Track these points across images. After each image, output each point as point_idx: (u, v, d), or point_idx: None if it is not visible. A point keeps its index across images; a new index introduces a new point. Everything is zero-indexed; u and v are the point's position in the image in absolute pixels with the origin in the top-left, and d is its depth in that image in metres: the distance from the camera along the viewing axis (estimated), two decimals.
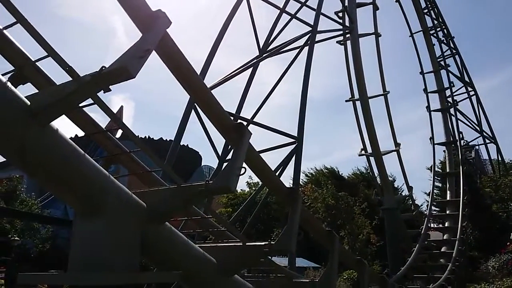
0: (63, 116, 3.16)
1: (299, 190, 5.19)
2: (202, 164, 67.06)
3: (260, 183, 30.04)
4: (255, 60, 17.23)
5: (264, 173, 4.48)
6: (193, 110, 12.80)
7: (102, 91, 2.87)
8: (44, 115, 2.80)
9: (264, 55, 17.33)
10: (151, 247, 3.76)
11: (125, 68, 2.75)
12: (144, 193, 3.87)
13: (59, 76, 3.13)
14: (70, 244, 3.51)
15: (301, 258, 23.52)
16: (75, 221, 3.48)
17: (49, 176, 3.17)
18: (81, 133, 4.83)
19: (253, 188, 39.29)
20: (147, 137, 60.70)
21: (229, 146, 15.08)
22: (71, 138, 3.27)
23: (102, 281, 3.14)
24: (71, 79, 2.88)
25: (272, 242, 4.50)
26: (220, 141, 15.34)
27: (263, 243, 4.61)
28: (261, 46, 17.55)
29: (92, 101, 3.02)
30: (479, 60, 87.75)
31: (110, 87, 2.93)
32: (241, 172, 3.75)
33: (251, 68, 17.08)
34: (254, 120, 15.01)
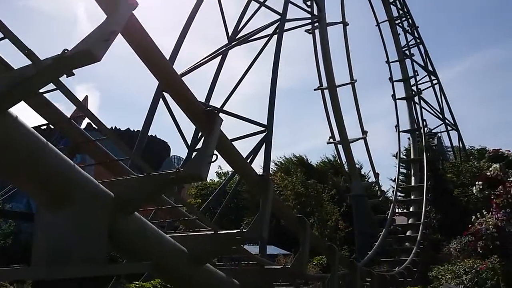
0: (25, 104, 2.99)
1: (270, 178, 5.18)
2: (171, 155, 66.27)
3: (230, 172, 30.02)
4: (224, 49, 17.05)
5: (235, 160, 4.43)
6: (161, 99, 12.55)
7: (65, 75, 2.73)
8: (1, 101, 2.64)
9: (233, 44, 17.17)
10: (120, 238, 3.65)
11: (89, 51, 2.62)
12: (112, 183, 3.74)
13: (17, 61, 2.95)
14: (33, 238, 3.36)
15: (271, 246, 23.73)
16: (39, 213, 3.33)
17: (9, 167, 3.00)
18: (44, 122, 4.63)
19: (223, 178, 39.16)
20: (113, 127, 59.23)
21: (199, 135, 14.94)
22: (33, 128, 3.10)
23: (67, 274, 3.02)
24: (30, 63, 2.72)
25: (244, 230, 4.48)
26: (189, 130, 15.16)
27: (235, 231, 4.58)
28: (229, 35, 17.38)
29: (54, 87, 2.87)
30: (442, 49, 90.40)
31: (74, 72, 2.79)
32: (213, 160, 3.69)
33: (220, 57, 16.90)
34: (224, 109, 14.91)
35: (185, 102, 3.80)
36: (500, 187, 10.66)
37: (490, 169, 10.66)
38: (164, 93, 12.91)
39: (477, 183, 10.80)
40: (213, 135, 3.72)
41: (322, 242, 6.98)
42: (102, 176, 4.41)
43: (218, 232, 4.54)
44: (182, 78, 13.61)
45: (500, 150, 10.66)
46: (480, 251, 10.47)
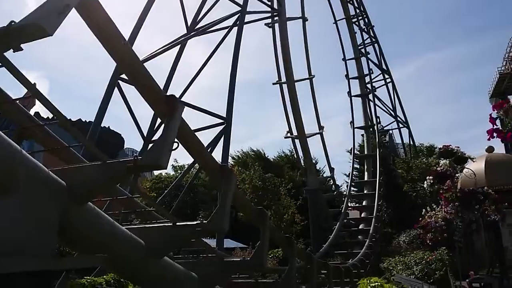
0: None
1: (232, 168, 5.08)
2: (125, 147, 64.48)
3: (186, 166, 29.59)
4: (182, 38, 16.67)
5: (196, 150, 4.27)
6: (116, 87, 12.06)
7: (12, 50, 2.47)
8: None
9: (192, 34, 16.83)
10: (72, 230, 3.40)
11: (39, 25, 2.38)
12: (64, 171, 3.48)
13: None
14: None
15: (228, 239, 23.66)
16: None
17: None
18: None
19: (179, 172, 38.56)
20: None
21: (156, 126, 14.55)
22: None
23: (9, 268, 2.77)
24: None
25: (204, 222, 4.34)
26: (144, 122, 14.69)
27: (194, 223, 4.43)
28: (189, 25, 17.03)
29: None
30: (396, 49, 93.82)
31: (23, 47, 2.54)
32: (173, 148, 3.52)
33: (178, 47, 16.52)
34: (182, 100, 14.58)
35: (144, 87, 3.59)
36: (448, 181, 11.14)
37: (440, 164, 11.11)
38: (119, 81, 12.43)
39: (427, 178, 11.23)
40: (174, 122, 3.55)
41: (280, 234, 6.96)
42: (52, 163, 4.12)
43: (177, 223, 4.38)
44: None
45: (450, 146, 11.13)
46: (429, 243, 10.91)
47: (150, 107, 3.89)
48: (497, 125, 2.95)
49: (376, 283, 3.65)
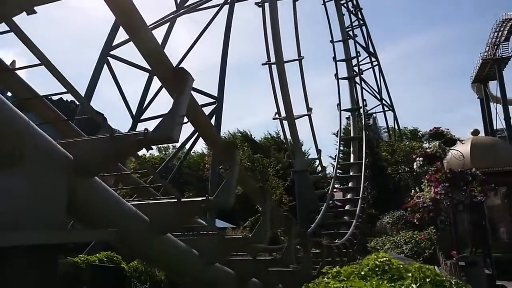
0: None
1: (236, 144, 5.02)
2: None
3: (171, 147, 29.28)
4: (171, 16, 16.31)
5: (203, 124, 4.19)
6: (105, 64, 11.74)
7: (25, 13, 2.34)
8: None
9: (181, 11, 16.47)
10: (80, 204, 3.32)
11: None
12: (70, 144, 3.37)
13: None
14: None
15: (217, 220, 23.71)
16: None
17: None
18: None
19: (163, 153, 38.24)
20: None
21: (144, 105, 14.31)
22: None
23: (18, 241, 2.69)
24: None
25: (210, 197, 4.30)
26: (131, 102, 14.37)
27: (200, 199, 4.38)
28: (178, 2, 16.65)
29: None
30: (383, 32, 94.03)
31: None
32: (184, 121, 3.44)
33: (167, 25, 16.16)
34: None
35: (152, 58, 3.47)
36: (438, 163, 11.30)
37: (430, 146, 11.25)
38: (108, 57, 12.13)
39: (418, 159, 11.36)
40: (185, 95, 3.46)
41: (280, 212, 6.99)
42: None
43: (182, 200, 4.33)
44: (126, 44, 12.52)
45: (440, 128, 11.25)
46: (417, 223, 11.12)
47: (158, 80, 3.78)
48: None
49: (384, 258, 3.66)
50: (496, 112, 54.86)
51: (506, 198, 14.55)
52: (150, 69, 14.06)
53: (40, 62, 2.88)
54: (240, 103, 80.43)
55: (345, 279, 3.59)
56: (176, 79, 3.52)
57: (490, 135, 44.75)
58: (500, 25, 48.75)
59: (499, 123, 53.88)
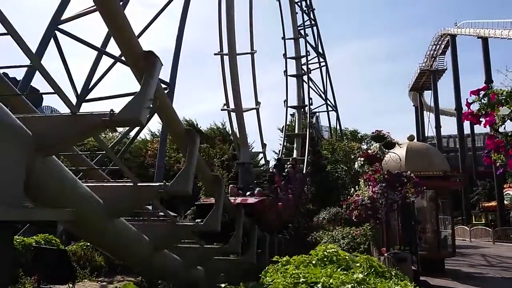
0: None
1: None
2: (43, 105, 60.03)
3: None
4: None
5: (165, 109, 4.19)
6: (53, 38, 11.12)
7: None
8: None
9: None
10: (36, 183, 3.22)
11: None
12: (30, 119, 3.25)
13: None
14: None
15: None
16: None
17: None
18: None
19: (102, 136, 36.78)
20: None
21: (90, 85, 13.72)
22: None
23: None
24: None
25: (167, 183, 4.31)
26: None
27: (157, 184, 4.38)
28: None
29: None
30: (332, 34, 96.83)
31: None
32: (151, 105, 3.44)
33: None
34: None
35: (124, 41, 3.42)
36: (377, 164, 11.96)
37: (371, 147, 11.87)
38: (56, 31, 11.47)
39: (359, 159, 11.95)
40: (153, 78, 3.45)
41: (229, 202, 7.10)
42: None
43: (139, 184, 4.30)
44: (70, 22, 11.91)
45: (382, 132, 11.91)
46: (355, 220, 11.72)
47: (126, 61, 3.72)
48: (471, 110, 3.28)
49: (333, 249, 3.90)
50: (429, 121, 58.85)
51: (432, 200, 15.70)
52: (102, 48, 13.55)
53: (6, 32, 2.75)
54: (185, 91, 79.35)
55: (296, 267, 3.79)
56: (145, 62, 3.51)
57: (422, 141, 47.89)
58: (438, 39, 52.19)
59: (430, 131, 57.91)
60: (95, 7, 14.63)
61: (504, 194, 38.93)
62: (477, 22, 42.94)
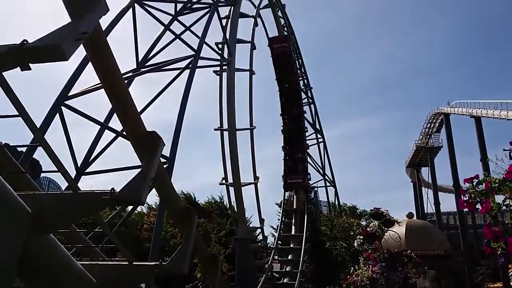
0: None
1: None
2: (42, 176, 60.05)
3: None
4: (131, 74, 16.52)
5: (165, 187, 4.23)
6: (58, 114, 11.50)
7: (19, 68, 2.41)
8: None
9: (141, 70, 16.75)
10: (30, 261, 3.16)
11: (58, 47, 2.37)
12: (30, 196, 3.27)
13: None
14: None
15: None
16: None
17: None
18: None
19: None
20: None
21: (91, 158, 13.90)
22: None
23: None
24: None
25: (163, 262, 4.21)
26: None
27: (152, 263, 4.28)
28: (139, 60, 16.98)
29: None
30: (328, 112, 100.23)
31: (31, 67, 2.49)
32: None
33: (125, 82, 16.29)
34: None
35: (128, 118, 3.57)
36: (376, 242, 11.77)
37: (370, 225, 11.79)
38: (62, 107, 11.90)
39: (358, 237, 11.81)
40: (156, 158, 3.54)
41: (226, 281, 6.85)
42: None
43: (134, 263, 4.21)
44: (79, 97, 12.47)
45: (380, 209, 11.90)
46: None
47: (128, 139, 3.84)
48: (466, 197, 3.34)
49: None
50: (427, 197, 58.57)
51: (435, 281, 15.21)
52: (104, 123, 13.93)
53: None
54: (184, 163, 79.89)
55: None
56: (149, 142, 3.62)
57: (421, 218, 47.29)
58: (432, 117, 53.79)
59: (429, 207, 57.38)
60: (101, 84, 15.29)
61: (509, 275, 37.66)
62: (469, 102, 44.49)
